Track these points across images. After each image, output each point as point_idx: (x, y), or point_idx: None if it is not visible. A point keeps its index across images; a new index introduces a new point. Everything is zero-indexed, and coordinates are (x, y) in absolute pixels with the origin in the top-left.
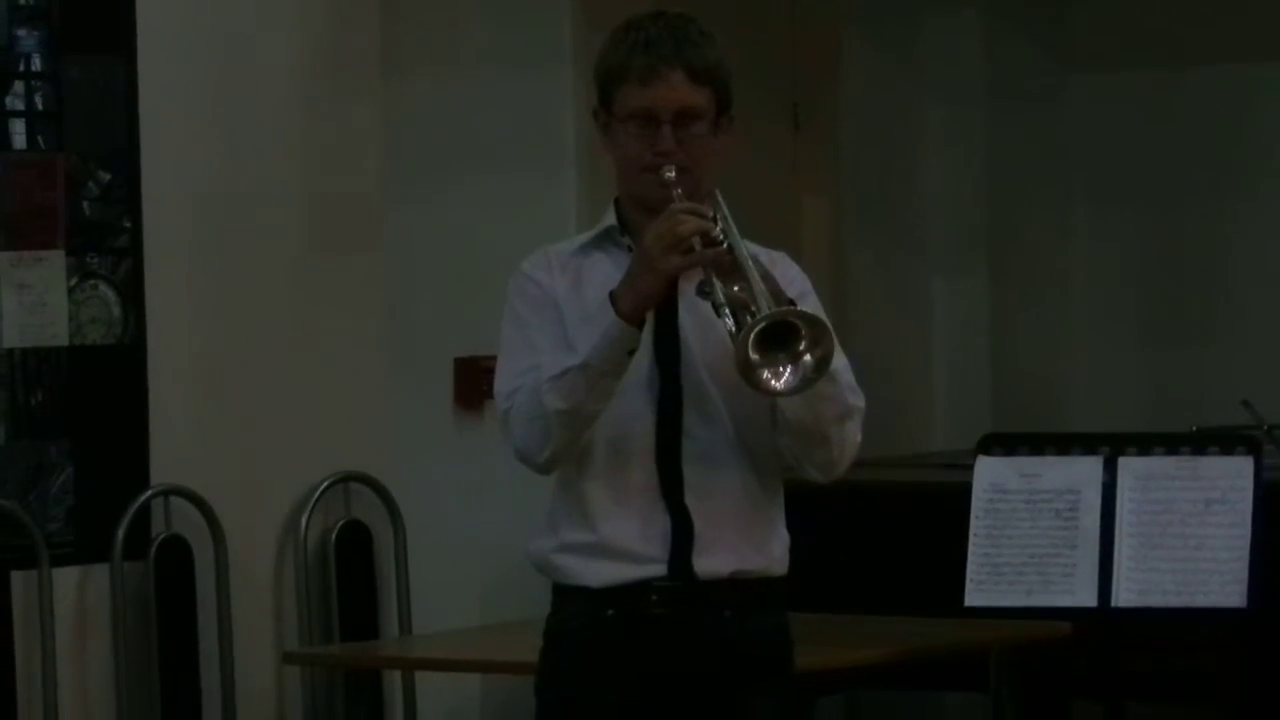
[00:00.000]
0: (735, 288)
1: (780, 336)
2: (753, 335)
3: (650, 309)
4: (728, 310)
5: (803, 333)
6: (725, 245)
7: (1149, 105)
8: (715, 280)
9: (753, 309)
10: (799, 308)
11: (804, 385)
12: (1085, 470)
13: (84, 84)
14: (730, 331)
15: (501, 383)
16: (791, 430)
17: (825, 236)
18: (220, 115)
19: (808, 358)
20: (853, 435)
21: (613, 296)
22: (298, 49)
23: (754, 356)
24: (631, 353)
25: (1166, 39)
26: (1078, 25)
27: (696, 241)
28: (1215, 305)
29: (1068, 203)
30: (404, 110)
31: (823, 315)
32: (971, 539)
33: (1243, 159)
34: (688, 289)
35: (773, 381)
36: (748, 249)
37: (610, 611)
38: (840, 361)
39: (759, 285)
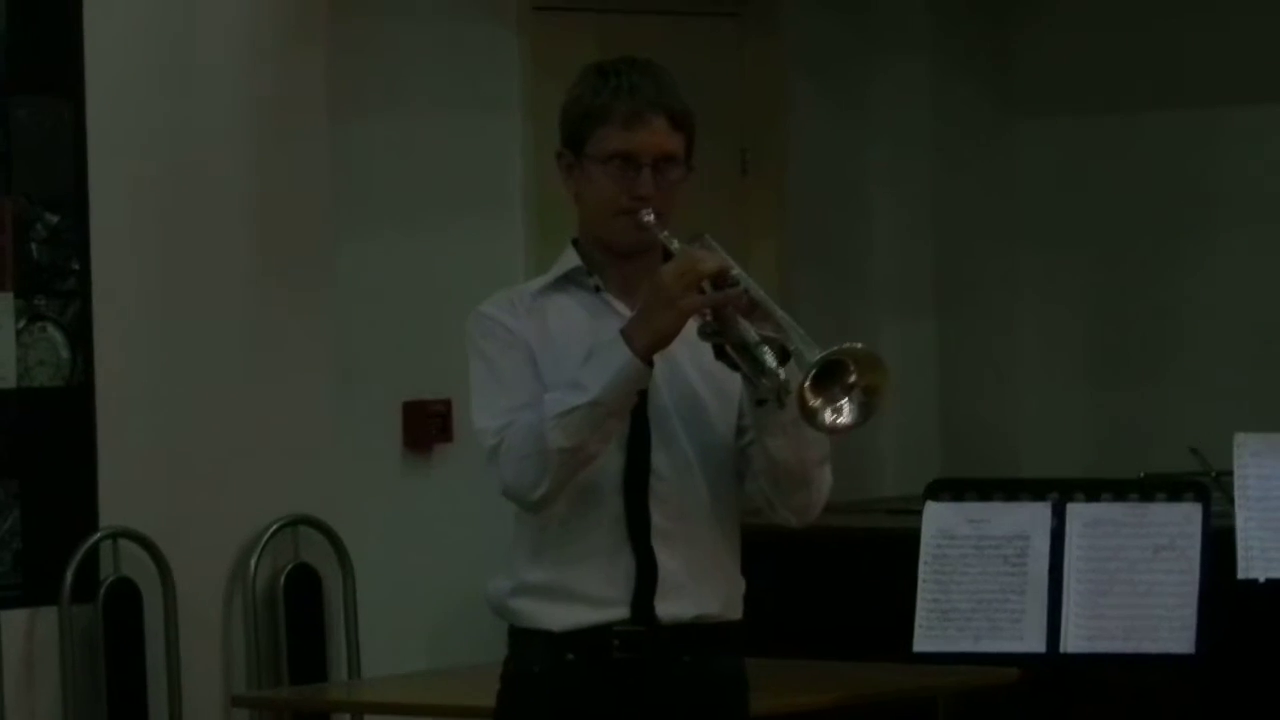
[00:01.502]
0: (761, 326)
1: (829, 372)
2: (810, 379)
3: (665, 347)
4: (761, 355)
5: (851, 366)
6: (741, 286)
7: (1095, 150)
8: (740, 321)
9: (791, 347)
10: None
11: (865, 415)
12: (1033, 516)
13: (32, 125)
14: (769, 369)
15: (484, 420)
16: (775, 474)
17: (773, 280)
18: (168, 157)
19: (859, 389)
20: (828, 479)
21: (625, 335)
22: (246, 91)
23: (815, 402)
24: (640, 392)
25: (1113, 84)
26: (1025, 70)
27: (707, 284)
28: (1163, 350)
29: (1015, 247)
30: (353, 153)
31: (862, 345)
32: (920, 584)
33: (1190, 203)
34: None
35: (838, 419)
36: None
37: (571, 655)
38: None
39: (787, 320)
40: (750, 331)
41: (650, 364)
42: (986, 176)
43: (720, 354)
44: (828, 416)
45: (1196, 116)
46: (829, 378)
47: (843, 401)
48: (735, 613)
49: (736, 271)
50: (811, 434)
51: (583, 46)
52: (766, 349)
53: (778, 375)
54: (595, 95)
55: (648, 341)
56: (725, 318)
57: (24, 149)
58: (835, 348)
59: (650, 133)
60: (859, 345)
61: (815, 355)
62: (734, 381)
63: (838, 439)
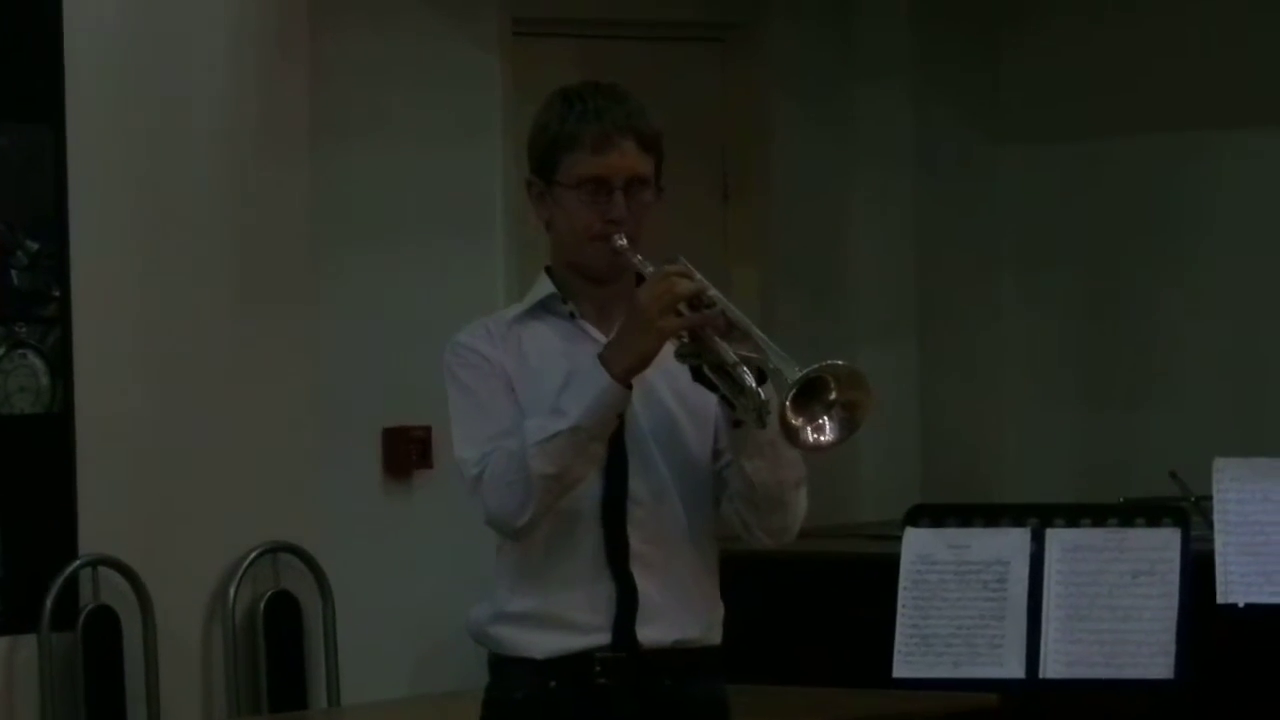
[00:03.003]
0: (738, 346)
1: (809, 390)
2: (790, 397)
3: (643, 370)
4: (740, 375)
5: (831, 383)
6: (718, 307)
7: (1079, 174)
8: (718, 342)
9: (769, 366)
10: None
11: (847, 432)
12: (1013, 541)
13: (12, 152)
14: (748, 389)
15: (465, 450)
16: (752, 495)
17: (755, 306)
18: (149, 183)
19: (839, 405)
20: (804, 501)
21: (604, 360)
22: (227, 117)
23: (796, 421)
24: (619, 416)
25: (1096, 107)
26: (1008, 94)
27: (684, 305)
28: (1143, 374)
29: (997, 272)
30: (334, 179)
31: (842, 361)
32: (900, 610)
33: (1170, 228)
34: None
35: (820, 438)
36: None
37: (553, 682)
38: None
39: (764, 340)
40: (728, 352)
41: (630, 387)
42: (969, 199)
43: (698, 376)
44: (810, 435)
45: (1180, 140)
46: (809, 396)
47: (824, 419)
48: (715, 637)
49: (713, 292)
50: (788, 455)
51: (564, 70)
52: (745, 369)
53: (757, 395)
54: (562, 122)
55: (627, 364)
56: (703, 339)
57: (4, 175)
58: (816, 365)
59: (620, 155)
60: (839, 362)
61: (795, 373)
62: (710, 405)
63: (818, 457)
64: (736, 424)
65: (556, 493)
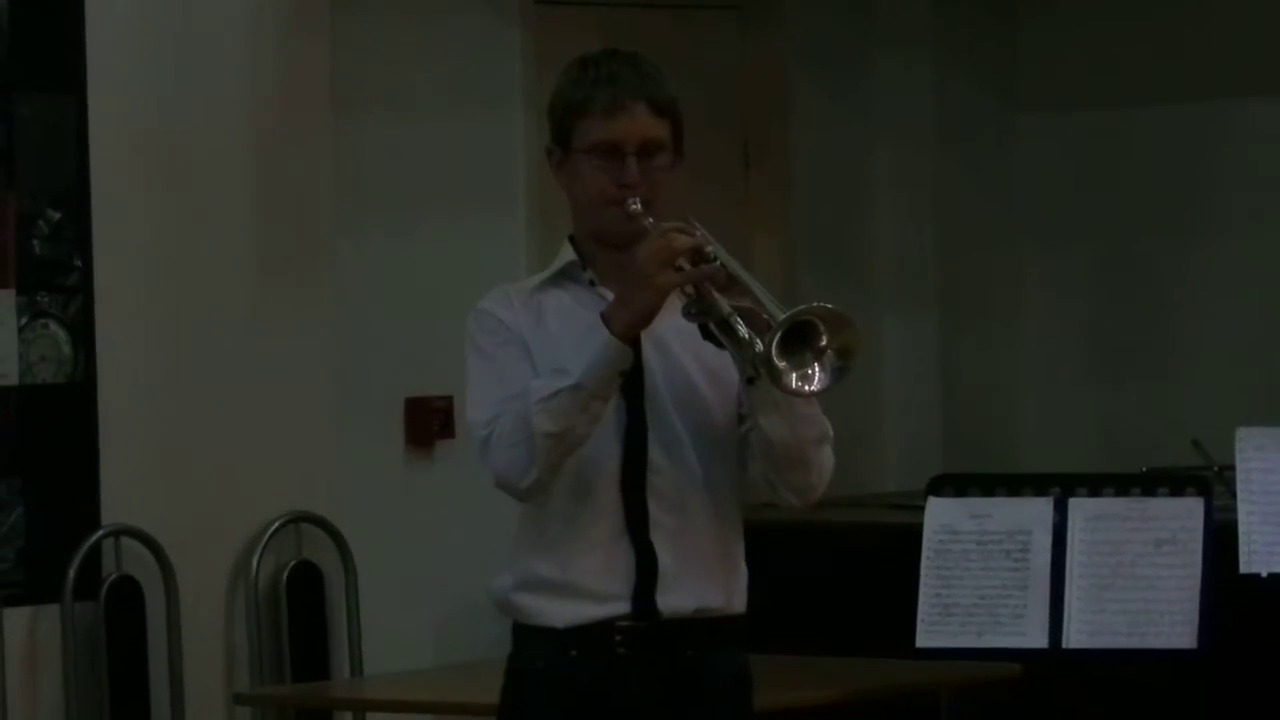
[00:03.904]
0: (739, 301)
1: (800, 336)
2: (776, 340)
3: (644, 327)
4: (734, 325)
5: (821, 328)
6: (717, 261)
7: (1099, 146)
8: (716, 295)
9: (765, 316)
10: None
11: (838, 377)
12: (1036, 511)
13: (34, 122)
14: (742, 339)
15: (477, 412)
16: (772, 453)
17: (776, 275)
18: (171, 154)
19: (830, 351)
20: (829, 459)
21: (605, 318)
22: (248, 87)
23: (780, 363)
24: (623, 374)
25: (1116, 80)
26: (1027, 66)
27: (684, 260)
28: (1166, 345)
29: (1017, 243)
30: (355, 150)
31: (832, 306)
32: (922, 580)
33: (1192, 199)
34: (651, 324)
35: (805, 386)
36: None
37: (574, 652)
38: None
39: (764, 293)
40: (721, 307)
41: (633, 345)
42: (989, 172)
43: (706, 333)
44: (793, 380)
45: (1201, 112)
46: (800, 342)
47: (814, 367)
48: (738, 605)
49: (712, 248)
50: (805, 411)
51: (585, 41)
52: (738, 319)
53: (753, 346)
54: (576, 88)
55: (627, 320)
56: (705, 295)
57: (26, 145)
58: (801, 307)
59: (631, 119)
60: (827, 305)
61: (781, 316)
62: (731, 372)
63: (810, 401)
64: (750, 380)
65: (561, 452)
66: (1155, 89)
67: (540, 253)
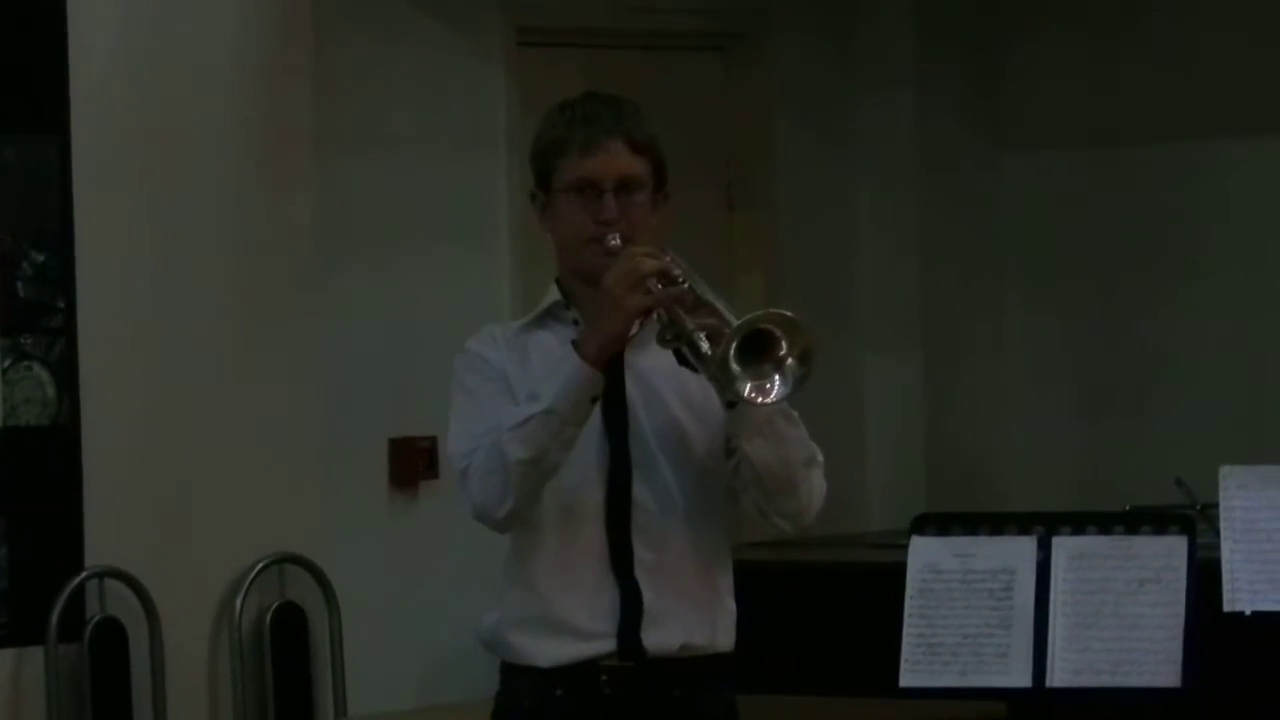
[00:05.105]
0: (706, 320)
1: (759, 347)
2: (732, 350)
3: (614, 351)
4: (698, 342)
5: (780, 336)
6: (685, 284)
7: (1082, 183)
8: (684, 317)
9: (727, 330)
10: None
11: (796, 387)
12: (1019, 550)
13: (17, 163)
14: (706, 356)
15: (456, 445)
16: (760, 480)
17: None
18: (154, 195)
19: (790, 360)
20: (819, 483)
21: (576, 344)
22: (232, 129)
23: (735, 368)
24: (595, 400)
25: (1100, 117)
26: (1011, 103)
27: (654, 283)
28: (1149, 383)
29: (1001, 280)
30: (339, 191)
31: (783, 309)
32: (906, 619)
33: (1175, 238)
34: (633, 361)
35: (760, 398)
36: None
37: (559, 691)
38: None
39: (728, 310)
40: (687, 329)
41: (604, 370)
42: (973, 210)
43: (681, 359)
44: (747, 389)
45: (1183, 150)
46: (760, 353)
47: (773, 378)
48: (725, 642)
49: (680, 271)
50: (790, 434)
51: (568, 81)
52: (703, 337)
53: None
54: (555, 129)
55: (597, 343)
56: (675, 318)
57: (9, 187)
58: (755, 313)
59: (609, 156)
60: (779, 310)
61: (735, 324)
62: (715, 407)
63: (796, 423)
64: (730, 405)
65: (535, 479)
66: (1138, 127)
67: (524, 293)
